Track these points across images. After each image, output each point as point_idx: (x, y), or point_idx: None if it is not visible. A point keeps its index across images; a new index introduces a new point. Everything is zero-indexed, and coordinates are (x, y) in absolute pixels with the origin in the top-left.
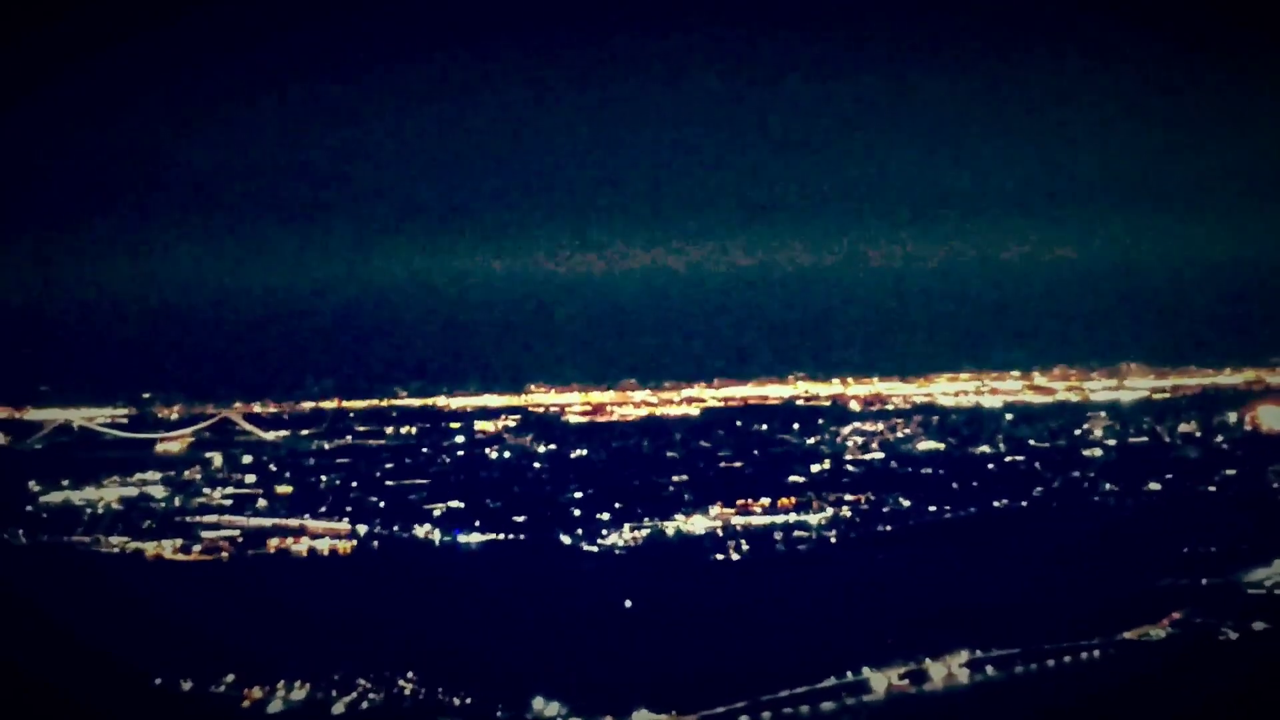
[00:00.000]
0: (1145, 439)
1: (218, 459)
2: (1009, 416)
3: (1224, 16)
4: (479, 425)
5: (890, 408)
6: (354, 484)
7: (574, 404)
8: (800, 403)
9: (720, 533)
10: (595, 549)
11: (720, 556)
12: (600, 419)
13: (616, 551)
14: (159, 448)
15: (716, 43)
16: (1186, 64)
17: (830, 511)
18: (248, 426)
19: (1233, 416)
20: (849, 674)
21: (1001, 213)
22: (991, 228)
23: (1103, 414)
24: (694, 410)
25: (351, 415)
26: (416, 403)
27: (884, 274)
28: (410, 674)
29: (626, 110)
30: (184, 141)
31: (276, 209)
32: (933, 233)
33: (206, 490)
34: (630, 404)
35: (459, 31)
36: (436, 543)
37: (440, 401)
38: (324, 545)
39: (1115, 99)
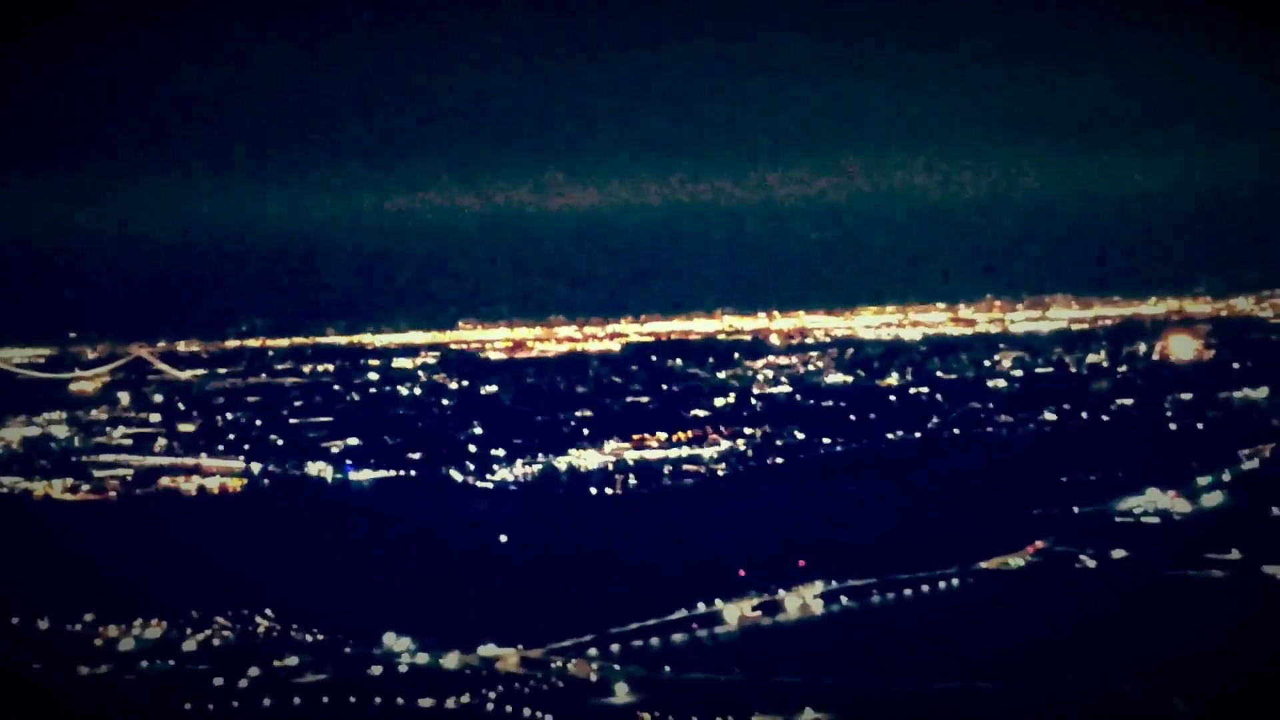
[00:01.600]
0: (1050, 370)
1: (125, 398)
2: (923, 349)
3: None
4: (397, 362)
5: (810, 341)
6: (258, 422)
7: (497, 340)
8: (722, 337)
9: (611, 468)
10: (486, 485)
11: (603, 491)
12: (520, 355)
13: (508, 487)
14: (73, 387)
15: None
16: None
17: (725, 445)
18: (161, 365)
19: (1143, 347)
20: (700, 606)
21: (935, 144)
22: (923, 160)
23: (1012, 346)
24: (615, 346)
25: (271, 354)
26: (342, 340)
27: (812, 207)
28: (268, 611)
29: (556, 39)
30: (105, 83)
31: (205, 145)
32: (864, 165)
33: (109, 430)
34: (554, 340)
35: None
36: (329, 480)
37: (365, 339)
38: (214, 484)
39: (1052, 30)
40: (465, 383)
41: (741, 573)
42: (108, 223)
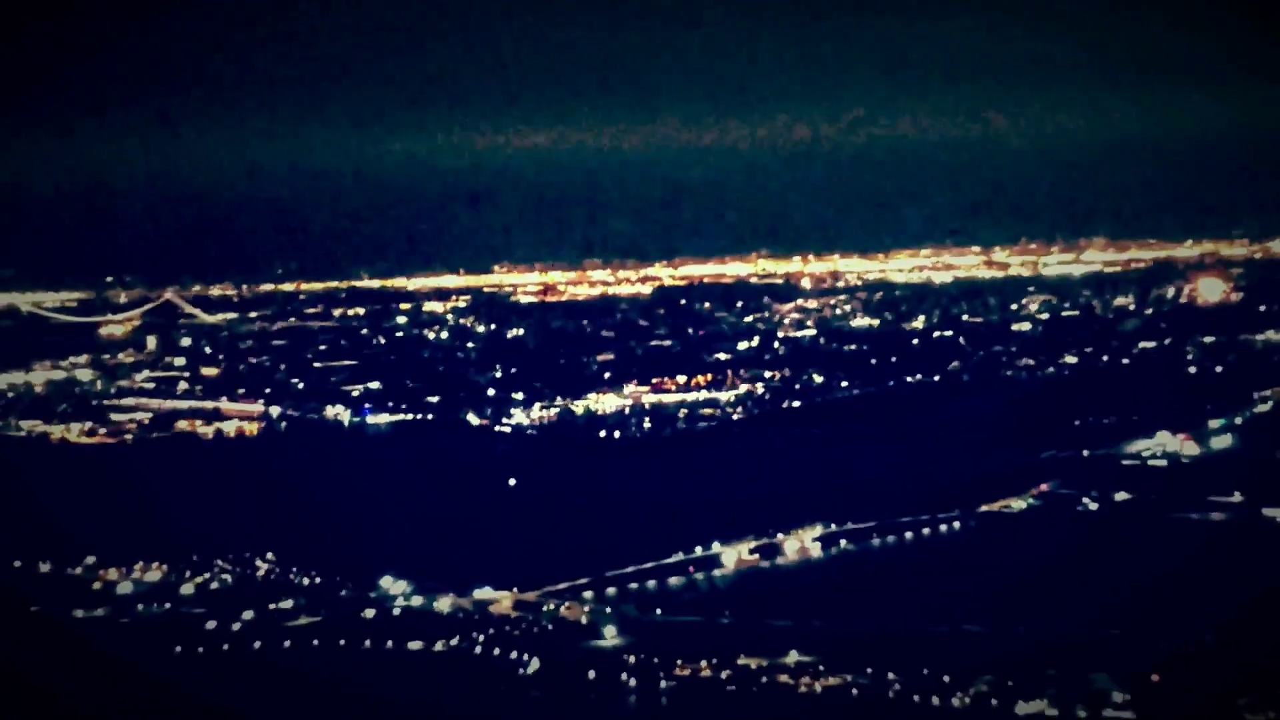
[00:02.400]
0: (1076, 313)
1: (152, 342)
2: (952, 293)
3: None
4: (427, 306)
5: (840, 285)
6: (281, 366)
7: (529, 284)
8: (754, 280)
9: (627, 412)
10: (504, 429)
11: (612, 435)
12: (550, 299)
13: (526, 432)
14: (103, 331)
15: None
16: None
17: (744, 389)
18: (190, 309)
19: (1171, 290)
20: (698, 549)
21: (972, 89)
22: (962, 103)
23: (1042, 290)
24: (647, 289)
25: (302, 297)
26: (375, 284)
27: (848, 151)
28: (270, 555)
29: None
30: (136, 25)
31: (239, 89)
32: (901, 109)
33: (133, 374)
34: (586, 284)
35: None
36: (346, 424)
37: (399, 283)
38: (231, 427)
39: None
40: (493, 326)
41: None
42: (141, 168)
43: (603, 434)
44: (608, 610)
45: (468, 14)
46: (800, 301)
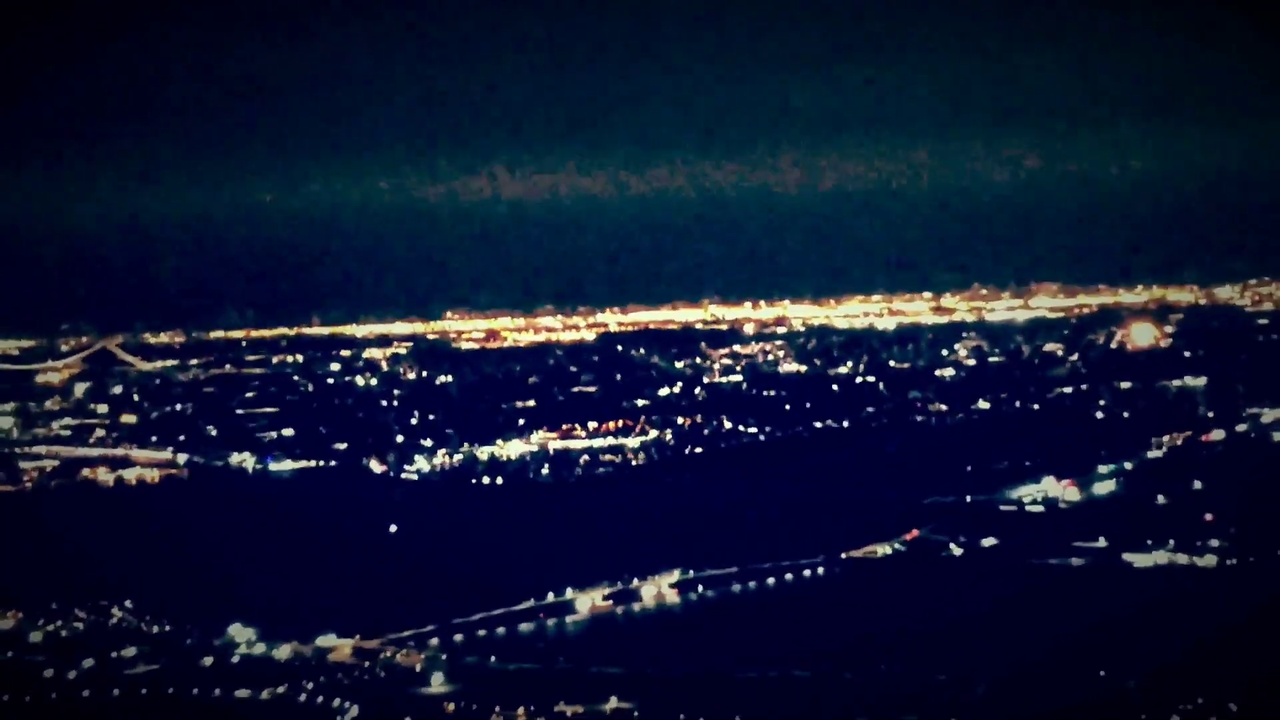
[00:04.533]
0: (1002, 359)
1: (79, 389)
2: (888, 338)
3: None
4: (368, 353)
5: (783, 330)
6: (190, 412)
7: (475, 331)
8: (700, 326)
9: (529, 458)
10: (410, 475)
11: (497, 481)
12: (492, 345)
13: (421, 478)
14: (39, 379)
15: None
16: None
17: (653, 434)
18: (126, 357)
19: (1103, 336)
20: (550, 595)
21: (930, 133)
22: (919, 149)
23: (981, 335)
24: (592, 336)
25: (244, 344)
26: (325, 331)
27: (803, 197)
28: (127, 603)
29: (538, 31)
30: (86, 67)
31: (186, 136)
32: (858, 153)
33: (51, 422)
34: (532, 330)
35: None
36: (249, 471)
37: (349, 330)
38: (134, 474)
39: (1040, 18)
40: (425, 373)
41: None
42: (88, 215)
43: (489, 480)
44: (443, 657)
45: (419, 62)
46: (735, 347)
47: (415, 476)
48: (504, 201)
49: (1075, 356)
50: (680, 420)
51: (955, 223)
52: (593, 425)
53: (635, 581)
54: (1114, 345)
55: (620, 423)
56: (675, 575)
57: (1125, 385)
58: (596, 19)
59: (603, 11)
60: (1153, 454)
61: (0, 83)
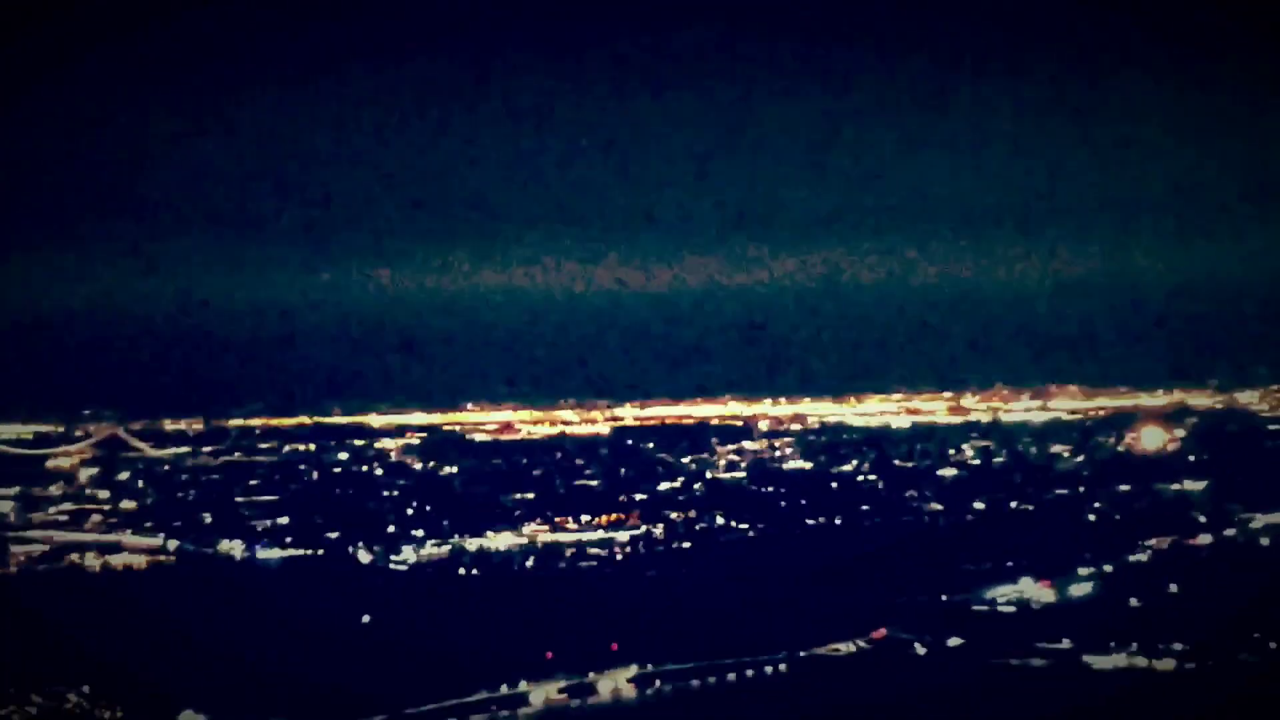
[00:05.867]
0: (1006, 459)
1: (84, 475)
2: (898, 437)
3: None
4: (380, 443)
5: (796, 428)
6: (203, 499)
7: (490, 423)
8: (715, 423)
9: (516, 550)
10: (392, 565)
11: (473, 572)
12: (505, 437)
13: (408, 568)
14: (50, 464)
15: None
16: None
17: (644, 529)
18: (135, 443)
19: (1112, 439)
20: (503, 687)
21: (947, 234)
22: (936, 249)
23: (991, 436)
24: (606, 429)
25: (257, 432)
26: (343, 420)
27: (828, 294)
28: (85, 688)
29: (556, 117)
30: (102, 150)
31: (207, 224)
32: (884, 253)
33: (49, 507)
34: (548, 423)
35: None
36: (236, 558)
37: (366, 420)
38: (120, 560)
39: (1046, 124)
40: (432, 464)
41: (549, 655)
42: (107, 301)
43: (472, 571)
44: None
45: (444, 154)
46: (743, 443)
47: (404, 567)
48: (528, 293)
49: (1080, 458)
50: (673, 515)
51: (979, 323)
52: (585, 519)
53: (591, 675)
54: (1121, 448)
55: (613, 516)
56: (633, 670)
57: (1124, 488)
58: (620, 112)
59: (628, 105)
60: (1135, 557)
61: (30, 167)
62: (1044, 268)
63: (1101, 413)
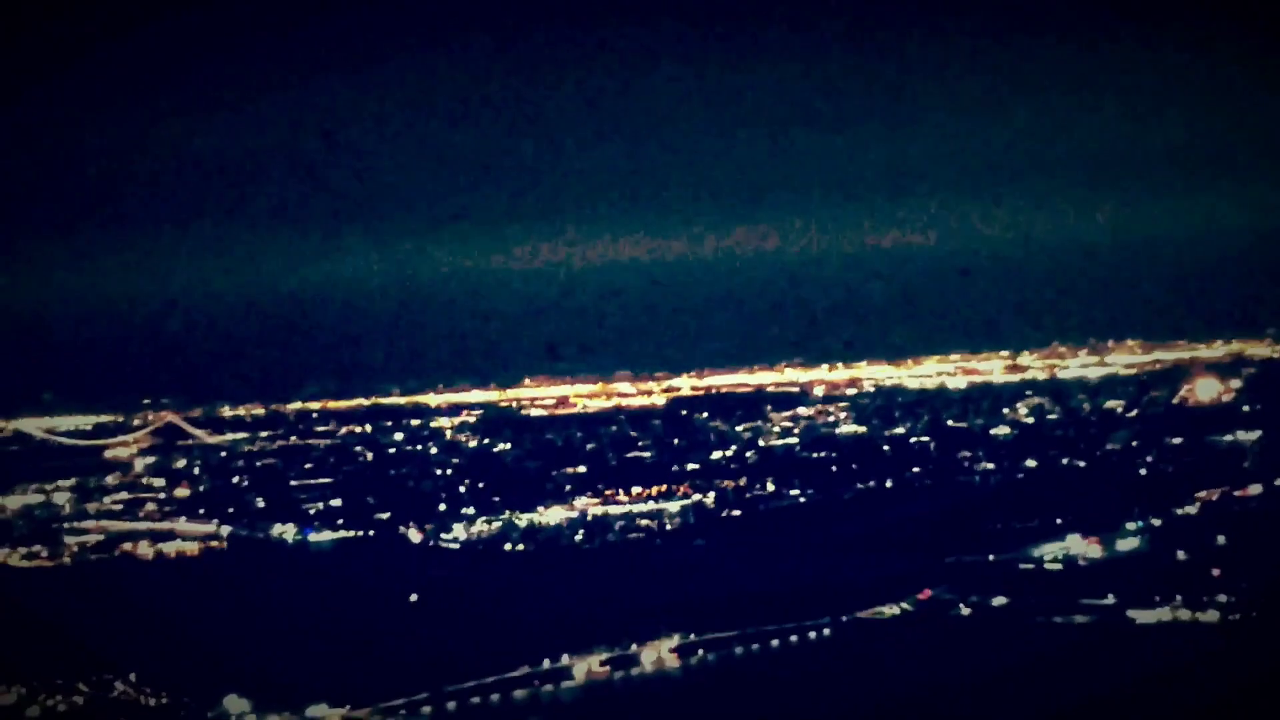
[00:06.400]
0: (1059, 416)
1: (139, 464)
2: (952, 398)
3: None
4: (435, 422)
5: (852, 392)
6: (257, 484)
7: (547, 398)
8: (772, 389)
9: (566, 525)
10: (442, 543)
11: (520, 548)
12: (561, 411)
13: (459, 545)
14: (108, 454)
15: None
16: (1183, 47)
17: (696, 498)
18: (192, 430)
19: (1167, 391)
20: (546, 662)
21: (1003, 192)
22: (992, 207)
23: (1046, 394)
24: (660, 400)
25: (315, 415)
26: (402, 401)
27: (883, 257)
28: (132, 675)
29: (593, 106)
30: (163, 142)
31: (261, 212)
32: (932, 215)
33: (103, 497)
34: (603, 396)
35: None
36: (289, 542)
37: (424, 399)
38: (174, 548)
39: (1105, 78)
40: (486, 441)
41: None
42: (182, 287)
43: (521, 547)
44: None
45: (500, 131)
46: (798, 410)
47: (455, 545)
48: (586, 268)
49: (1134, 413)
50: (724, 484)
51: (1036, 281)
52: (636, 490)
53: (634, 646)
54: (1176, 401)
55: (664, 487)
56: (675, 640)
57: (1176, 441)
58: (689, 82)
59: (694, 77)
60: (1185, 510)
61: (88, 163)
62: (1102, 224)
63: (1158, 366)
